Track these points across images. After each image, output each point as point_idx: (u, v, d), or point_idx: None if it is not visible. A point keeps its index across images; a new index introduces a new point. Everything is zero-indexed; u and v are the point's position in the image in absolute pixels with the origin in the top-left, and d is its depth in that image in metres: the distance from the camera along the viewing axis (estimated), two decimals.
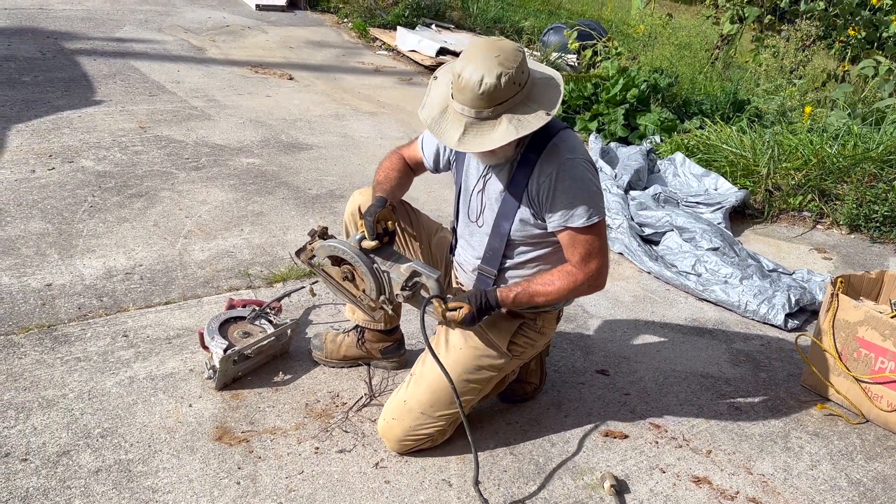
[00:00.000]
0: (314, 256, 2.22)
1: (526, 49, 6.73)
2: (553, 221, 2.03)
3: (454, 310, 2.04)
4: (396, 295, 2.10)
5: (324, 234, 2.24)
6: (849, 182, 4.34)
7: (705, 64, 6.49)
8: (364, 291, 2.15)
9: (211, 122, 4.76)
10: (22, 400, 2.24)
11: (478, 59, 1.84)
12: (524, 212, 2.07)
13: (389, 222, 2.18)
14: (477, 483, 2.10)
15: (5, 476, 1.97)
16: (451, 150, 2.25)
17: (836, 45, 6.44)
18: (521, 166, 2.04)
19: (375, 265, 2.11)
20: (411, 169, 2.39)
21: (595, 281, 2.08)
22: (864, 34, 6.18)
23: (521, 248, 2.15)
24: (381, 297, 2.11)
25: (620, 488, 2.18)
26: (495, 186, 2.11)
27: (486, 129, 1.87)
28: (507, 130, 1.86)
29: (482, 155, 2.02)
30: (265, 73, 5.99)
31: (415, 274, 2.09)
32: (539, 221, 2.07)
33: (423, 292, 2.13)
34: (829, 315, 2.66)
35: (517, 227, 2.10)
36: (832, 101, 5.48)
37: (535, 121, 1.87)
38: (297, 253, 2.26)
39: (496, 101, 1.85)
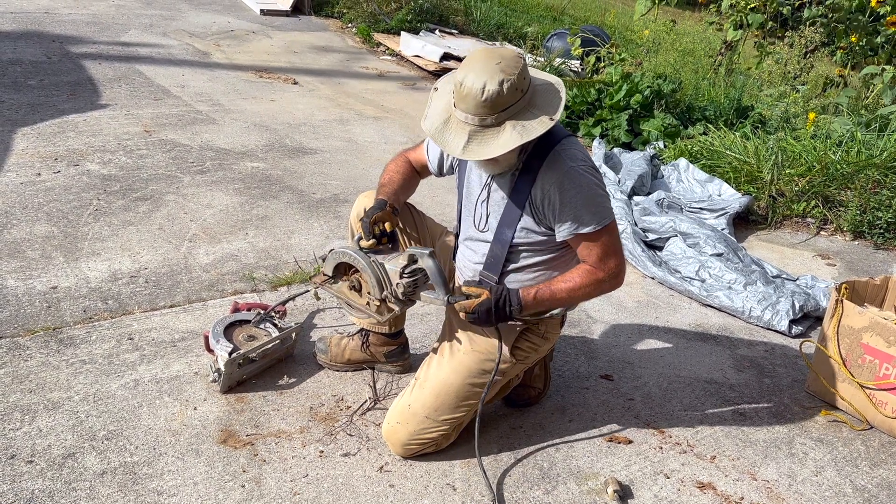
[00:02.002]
0: (326, 277, 2.23)
1: (529, 55, 6.78)
2: (563, 231, 2.03)
3: (470, 297, 2.03)
4: (397, 285, 2.08)
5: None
6: (852, 188, 4.34)
7: (709, 70, 6.50)
8: (369, 293, 2.14)
9: (216, 126, 4.78)
10: (27, 402, 2.25)
11: (479, 66, 1.85)
12: (527, 220, 2.07)
13: (388, 224, 2.18)
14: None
15: (11, 478, 1.97)
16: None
17: (839, 52, 6.44)
18: (524, 174, 2.04)
19: (372, 258, 2.11)
20: (417, 172, 2.40)
21: (616, 278, 2.08)
22: (864, 41, 6.19)
23: (524, 254, 2.15)
24: (384, 292, 2.09)
25: (624, 493, 2.18)
26: (498, 194, 2.12)
27: (490, 137, 1.87)
28: (510, 137, 1.86)
29: (485, 163, 2.02)
30: (270, 78, 6.01)
31: (412, 259, 2.08)
32: (543, 229, 2.07)
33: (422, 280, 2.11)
34: (834, 321, 2.66)
35: (520, 234, 2.10)
36: (836, 107, 5.48)
37: (538, 126, 1.87)
38: (312, 277, 2.28)
39: (499, 108, 1.85)
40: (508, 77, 1.83)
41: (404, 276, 2.08)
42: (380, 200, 2.21)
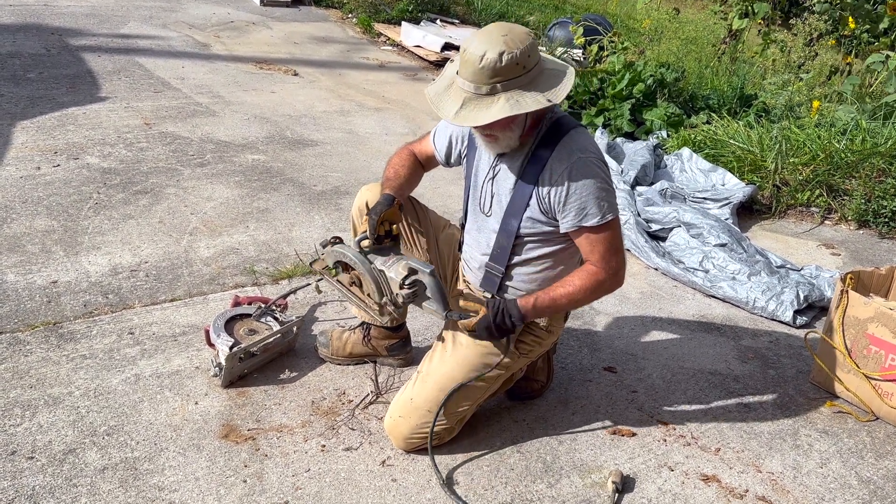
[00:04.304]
0: (327, 266, 2.22)
1: None
2: (567, 222, 2.01)
3: (469, 316, 2.05)
4: (396, 294, 2.08)
5: (336, 242, 2.22)
6: (857, 177, 4.31)
7: (712, 59, 6.45)
8: (369, 296, 2.13)
9: (216, 118, 4.75)
10: (28, 398, 2.24)
11: (485, 36, 1.87)
12: (533, 209, 2.05)
13: (394, 225, 2.17)
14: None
15: (12, 474, 1.96)
16: (464, 144, 2.24)
17: (843, 41, 6.39)
18: (532, 163, 2.03)
19: (373, 265, 2.09)
20: (421, 165, 2.37)
21: (615, 276, 2.06)
22: (867, 27, 6.13)
23: (530, 245, 2.13)
24: (384, 298, 2.09)
25: (623, 486, 2.16)
26: (506, 182, 2.09)
27: (483, 105, 1.87)
28: (501, 108, 1.85)
29: (485, 140, 2.02)
30: (270, 69, 5.98)
31: (411, 272, 2.07)
32: (549, 219, 2.05)
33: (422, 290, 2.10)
34: (839, 312, 2.64)
35: (526, 224, 2.08)
36: (840, 95, 5.44)
37: (532, 104, 1.86)
38: (312, 264, 2.27)
39: (495, 78, 1.84)
40: (510, 50, 1.82)
41: (404, 287, 2.07)
42: (386, 196, 2.18)
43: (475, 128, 2.00)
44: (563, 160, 1.98)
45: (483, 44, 1.84)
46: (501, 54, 1.82)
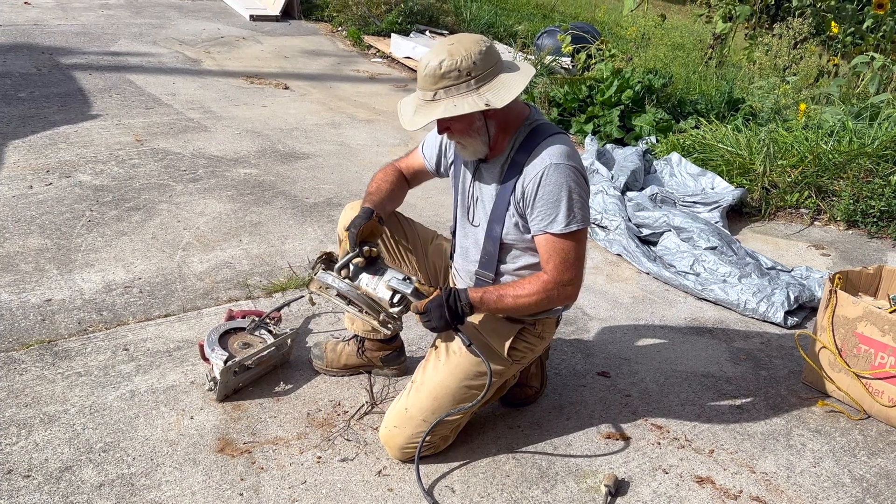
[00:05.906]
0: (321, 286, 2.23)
1: (519, 54, 6.77)
2: (534, 225, 2.05)
3: (423, 296, 2.07)
4: (390, 313, 2.10)
5: (329, 259, 2.22)
6: (845, 178, 4.35)
7: (699, 63, 6.51)
8: (366, 312, 2.14)
9: (207, 133, 4.77)
10: (23, 416, 2.24)
11: (436, 47, 1.98)
12: (513, 214, 2.09)
13: (375, 237, 2.19)
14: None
15: (8, 493, 1.97)
16: (452, 153, 2.27)
17: (829, 43, 6.45)
18: (511, 169, 2.07)
19: (360, 291, 2.11)
20: (406, 181, 2.40)
21: (567, 291, 2.07)
22: (851, 29, 6.19)
23: (515, 252, 2.16)
24: (382, 316, 2.10)
25: (615, 490, 2.17)
26: (488, 188, 2.13)
27: (429, 110, 1.98)
28: (438, 111, 1.95)
29: (457, 148, 2.13)
30: (261, 84, 6.01)
31: (395, 291, 2.10)
32: (527, 224, 2.08)
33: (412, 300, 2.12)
34: (829, 311, 2.66)
35: (508, 230, 2.11)
36: (826, 97, 5.49)
37: (467, 106, 1.93)
38: (307, 285, 2.28)
39: (438, 85, 1.95)
40: (451, 57, 1.92)
41: (394, 305, 2.09)
42: (365, 209, 2.20)
43: (445, 135, 2.10)
44: (536, 165, 2.01)
45: (429, 54, 1.96)
46: (441, 62, 1.92)
